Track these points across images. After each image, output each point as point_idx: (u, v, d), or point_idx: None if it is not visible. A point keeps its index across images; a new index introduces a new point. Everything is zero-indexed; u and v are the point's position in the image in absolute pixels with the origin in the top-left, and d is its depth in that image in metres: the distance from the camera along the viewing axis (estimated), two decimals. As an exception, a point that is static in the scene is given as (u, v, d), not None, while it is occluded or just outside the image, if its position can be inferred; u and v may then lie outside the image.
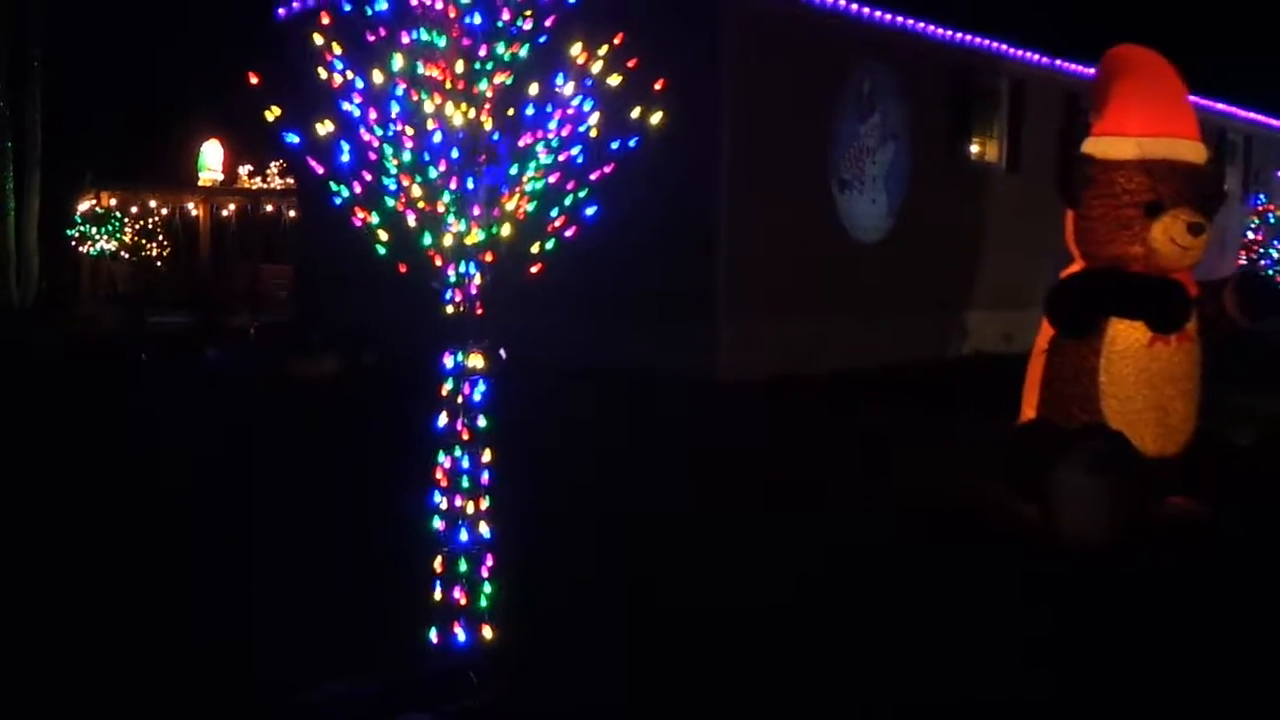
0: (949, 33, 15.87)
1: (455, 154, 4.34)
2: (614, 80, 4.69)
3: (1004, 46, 16.95)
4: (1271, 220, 25.71)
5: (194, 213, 30.47)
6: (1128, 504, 6.98)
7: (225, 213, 30.89)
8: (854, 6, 14.49)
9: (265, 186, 30.99)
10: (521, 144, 4.46)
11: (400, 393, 11.43)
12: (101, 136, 26.21)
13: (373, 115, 4.45)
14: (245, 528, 7.09)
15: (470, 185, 4.37)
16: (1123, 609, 6.01)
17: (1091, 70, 17.80)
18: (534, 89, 4.33)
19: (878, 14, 14.83)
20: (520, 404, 11.37)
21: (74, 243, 24.71)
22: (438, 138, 4.31)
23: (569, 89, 4.40)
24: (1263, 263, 25.23)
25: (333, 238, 16.03)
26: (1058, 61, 18.10)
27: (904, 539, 7.20)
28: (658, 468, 9.10)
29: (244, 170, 31.16)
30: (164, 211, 29.05)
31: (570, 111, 4.53)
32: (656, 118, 4.64)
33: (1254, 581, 6.49)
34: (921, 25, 15.49)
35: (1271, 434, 7.93)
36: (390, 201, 4.60)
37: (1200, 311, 7.60)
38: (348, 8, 4.53)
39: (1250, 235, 25.32)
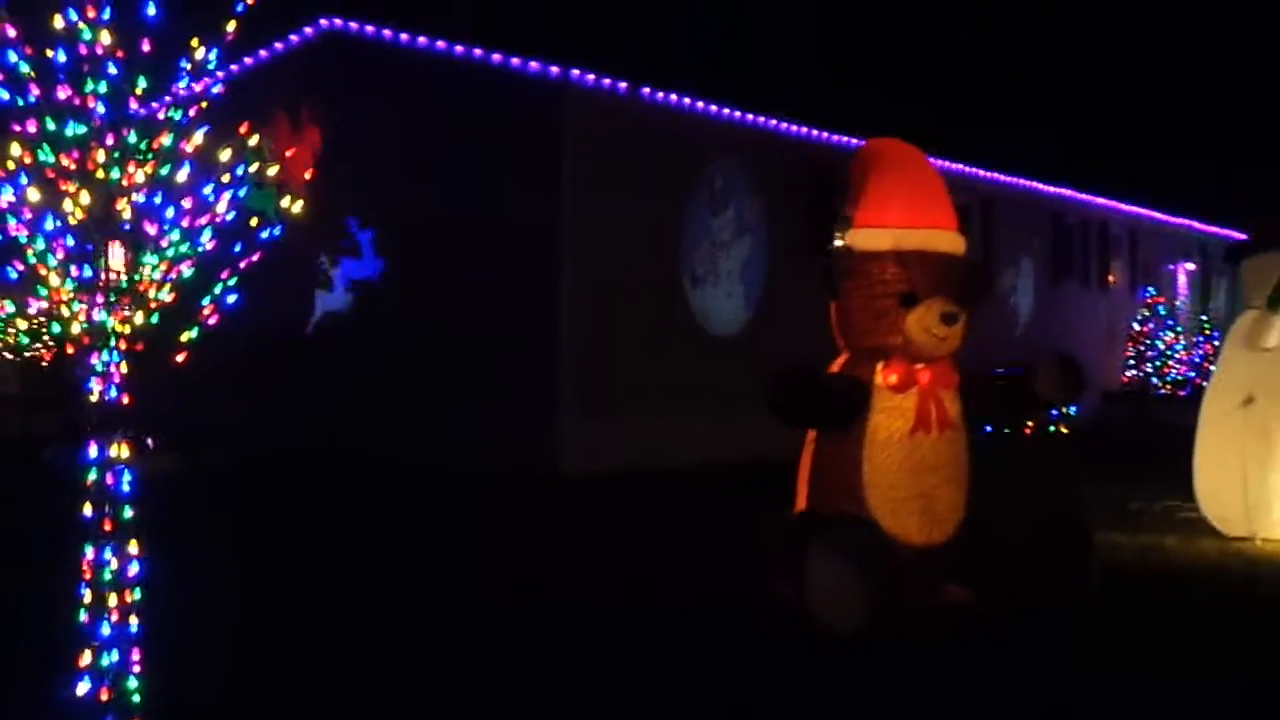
0: (802, 129, 16.11)
1: (70, 241, 4.33)
2: (270, 169, 4.73)
3: (859, 141, 17.17)
4: (1161, 312, 26.14)
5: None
6: (877, 591, 6.97)
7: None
8: (700, 104, 14.70)
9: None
10: (151, 231, 4.45)
11: (227, 496, 11.51)
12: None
13: (3, 203, 4.43)
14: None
15: (88, 273, 4.35)
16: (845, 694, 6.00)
17: (954, 166, 18.19)
18: (139, 177, 4.32)
19: (726, 111, 15.04)
20: (321, 497, 11.54)
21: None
22: (50, 224, 4.29)
23: (182, 176, 4.40)
24: (1149, 354, 25.59)
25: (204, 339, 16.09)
26: (934, 161, 18.35)
27: (644, 626, 7.23)
28: (413, 561, 9.05)
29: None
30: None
31: (205, 200, 4.54)
32: (298, 206, 4.67)
33: (988, 669, 6.48)
34: (774, 122, 15.72)
35: (1052, 514, 7.95)
36: (43, 290, 4.59)
37: (970, 401, 7.68)
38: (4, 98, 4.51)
39: (1137, 327, 25.69)
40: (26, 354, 17.75)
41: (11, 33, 4.28)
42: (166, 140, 4.54)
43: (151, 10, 4.41)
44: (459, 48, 14.06)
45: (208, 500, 11.11)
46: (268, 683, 5.99)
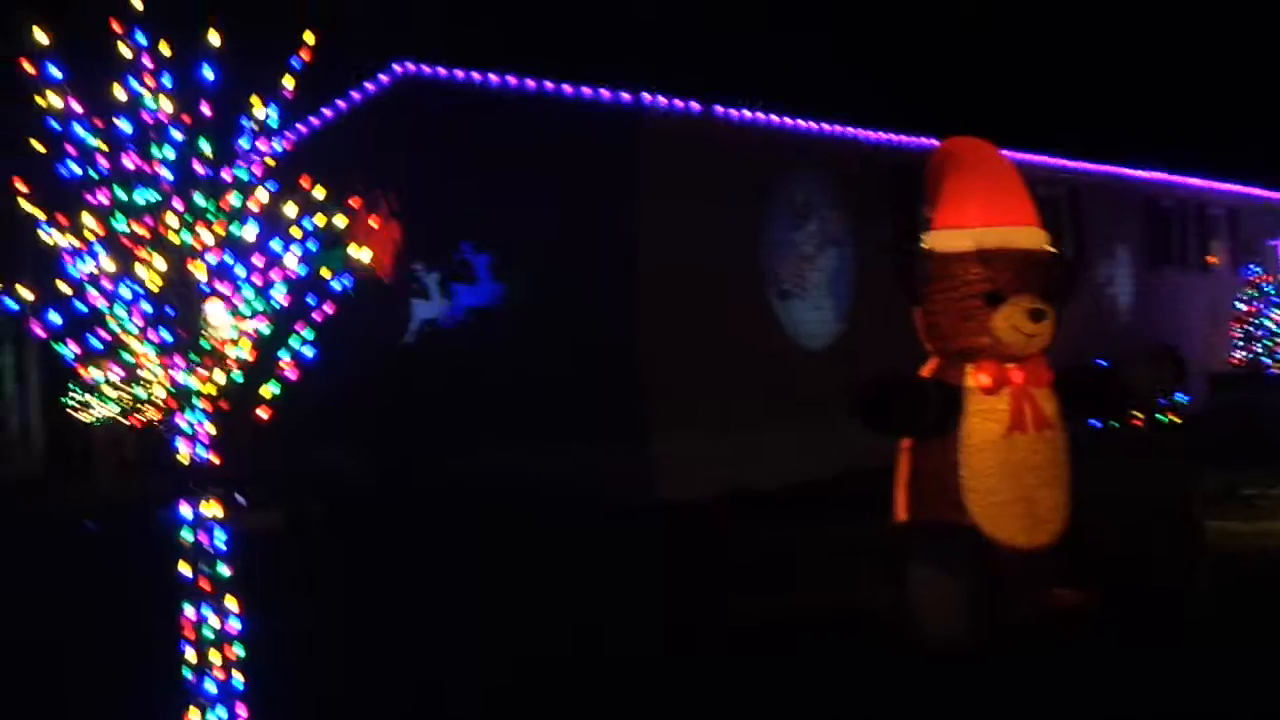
0: (881, 134, 15.97)
1: (147, 306, 4.41)
2: (339, 221, 4.79)
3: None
4: (1269, 290, 25.44)
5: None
6: (979, 599, 6.86)
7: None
8: (774, 118, 14.63)
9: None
10: (224, 291, 4.52)
11: (330, 547, 11.69)
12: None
13: (84, 273, 4.53)
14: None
15: (167, 337, 4.43)
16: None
17: (1040, 159, 17.92)
18: (209, 238, 4.39)
19: (802, 123, 14.96)
20: (421, 537, 11.64)
21: (73, 411, 24.91)
22: (125, 293, 4.38)
23: (249, 234, 4.47)
24: (1258, 333, 24.92)
25: (296, 389, 16.49)
26: (1018, 155, 18.15)
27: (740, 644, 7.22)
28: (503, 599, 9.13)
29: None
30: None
31: (276, 256, 4.61)
32: (366, 255, 4.71)
33: (1100, 672, 6.34)
34: (854, 130, 15.61)
35: (1160, 511, 7.79)
36: (127, 357, 4.68)
37: (1066, 397, 7.53)
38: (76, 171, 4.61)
39: (1242, 307, 25.04)
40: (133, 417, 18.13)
41: (78, 107, 4.38)
42: (234, 200, 4.62)
43: (209, 75, 4.49)
44: (530, 82, 14.17)
45: (311, 552, 11.30)
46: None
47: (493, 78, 14.53)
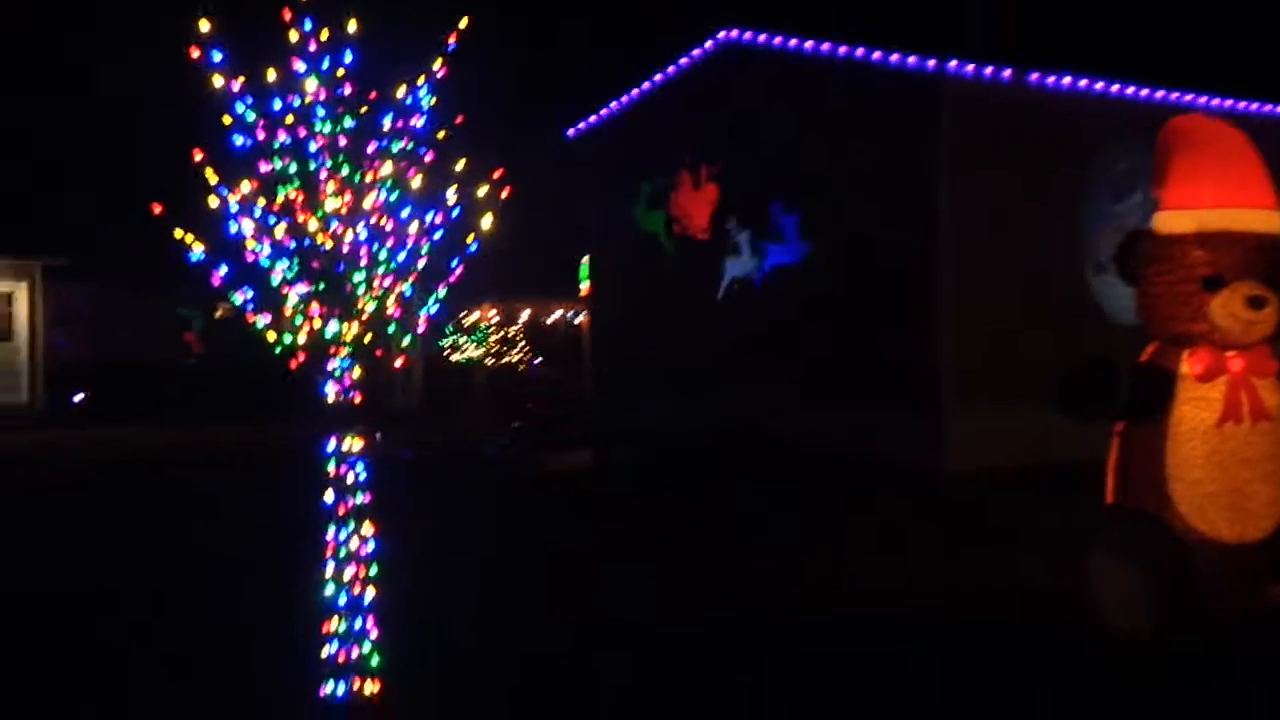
0: (1225, 101, 15.06)
1: (288, 264, 5.01)
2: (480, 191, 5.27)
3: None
4: None
5: (578, 321, 32.68)
6: (1166, 593, 6.66)
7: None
8: (1098, 85, 14.10)
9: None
10: (357, 254, 5.07)
11: (620, 486, 12.49)
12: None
13: (248, 231, 5.19)
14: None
15: (304, 290, 5.02)
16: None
17: None
18: (339, 201, 4.93)
19: (1129, 90, 14.33)
20: (709, 486, 12.16)
21: (445, 352, 26.90)
22: (265, 250, 5.00)
23: (378, 200, 4.99)
24: None
25: (620, 343, 17.40)
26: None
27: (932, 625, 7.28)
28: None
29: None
30: (547, 320, 31.11)
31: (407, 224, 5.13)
32: (488, 222, 5.16)
33: None
34: (1188, 97, 14.81)
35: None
36: (290, 310, 5.33)
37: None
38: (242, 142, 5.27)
39: None
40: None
41: (236, 86, 5.02)
42: (383, 171, 5.17)
43: (349, 58, 5.05)
44: (842, 48, 14.27)
45: (607, 488, 12.18)
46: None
47: (807, 43, 14.72)
